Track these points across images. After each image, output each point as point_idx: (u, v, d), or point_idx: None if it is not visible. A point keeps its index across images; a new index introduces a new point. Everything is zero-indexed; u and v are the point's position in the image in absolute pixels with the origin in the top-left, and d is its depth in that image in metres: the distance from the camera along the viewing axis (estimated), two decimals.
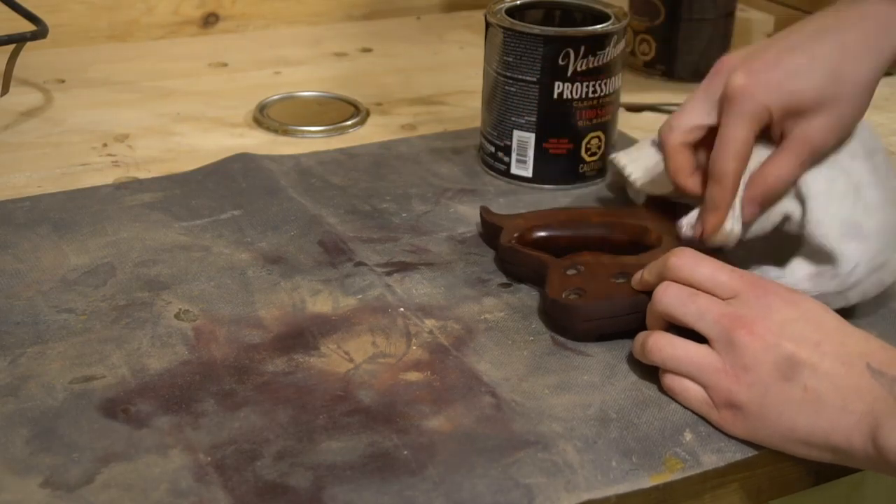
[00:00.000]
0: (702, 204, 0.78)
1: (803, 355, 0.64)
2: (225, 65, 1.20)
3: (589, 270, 0.76)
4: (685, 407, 0.68)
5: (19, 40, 0.99)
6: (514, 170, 0.95)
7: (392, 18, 1.37)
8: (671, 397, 0.68)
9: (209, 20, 1.29)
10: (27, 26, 1.01)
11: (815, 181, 0.76)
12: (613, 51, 0.92)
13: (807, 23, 0.77)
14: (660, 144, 0.81)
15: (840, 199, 0.76)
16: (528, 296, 0.79)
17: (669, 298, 0.68)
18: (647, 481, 0.63)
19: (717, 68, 0.77)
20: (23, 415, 0.65)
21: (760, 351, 0.64)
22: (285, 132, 1.04)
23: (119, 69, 1.17)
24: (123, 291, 0.78)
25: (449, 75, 1.20)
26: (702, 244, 0.77)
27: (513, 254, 0.80)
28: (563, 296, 0.74)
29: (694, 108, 0.78)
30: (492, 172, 0.97)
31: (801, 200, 0.76)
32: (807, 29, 0.76)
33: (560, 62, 0.91)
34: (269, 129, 1.05)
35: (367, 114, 1.09)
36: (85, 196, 0.90)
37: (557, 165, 0.95)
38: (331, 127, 1.05)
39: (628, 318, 0.73)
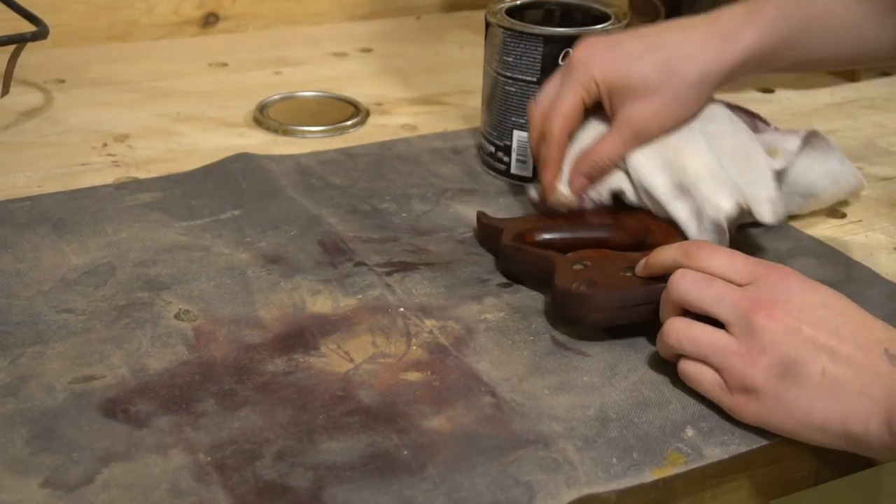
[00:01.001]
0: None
1: (822, 339, 0.64)
2: (225, 65, 1.20)
3: (596, 265, 0.76)
4: (699, 391, 0.68)
5: (20, 41, 0.99)
6: (514, 170, 0.95)
7: (392, 18, 1.37)
8: (686, 383, 0.68)
9: (209, 20, 1.29)
10: (28, 27, 1.01)
11: (636, 156, 0.82)
12: None
13: (673, 20, 0.84)
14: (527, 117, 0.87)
15: (661, 167, 0.81)
16: (528, 296, 0.79)
17: (686, 285, 0.68)
18: (649, 476, 0.63)
19: (570, 54, 0.84)
20: (23, 415, 0.65)
21: (780, 334, 0.64)
22: (285, 132, 1.04)
23: (119, 69, 1.17)
24: (123, 291, 0.78)
25: (449, 75, 1.20)
26: (545, 208, 0.84)
27: (515, 252, 0.80)
28: (574, 286, 0.74)
29: (551, 85, 0.85)
30: (492, 172, 0.97)
31: (629, 176, 0.83)
32: (665, 23, 0.84)
33: (560, 62, 0.91)
34: (269, 129, 1.05)
35: (367, 114, 1.09)
36: (85, 196, 0.90)
37: None
38: (331, 127, 1.05)
39: (640, 309, 0.73)
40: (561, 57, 0.90)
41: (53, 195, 0.90)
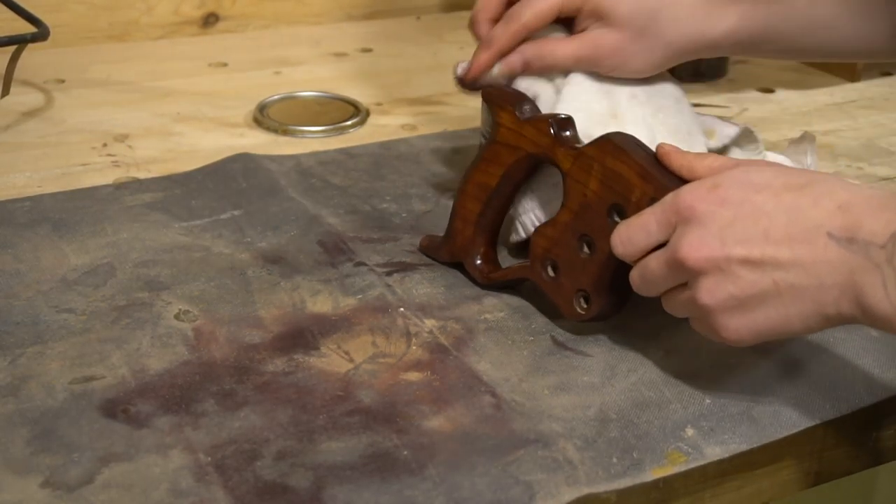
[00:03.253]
0: (479, 45, 0.82)
1: (756, 254, 0.62)
2: (225, 65, 1.20)
3: (561, 262, 0.75)
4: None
5: (20, 42, 0.99)
6: None
7: (392, 18, 1.37)
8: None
9: (209, 20, 1.29)
10: (28, 27, 1.01)
11: (575, 83, 0.81)
12: None
13: None
14: None
15: (597, 119, 0.79)
16: (528, 296, 0.79)
17: (637, 286, 0.68)
18: (650, 475, 0.63)
19: None
20: (23, 415, 0.65)
21: (715, 273, 0.63)
22: (285, 132, 1.04)
23: (119, 69, 1.17)
24: (123, 291, 0.78)
25: (449, 75, 1.18)
26: (467, 84, 0.82)
27: (494, 284, 0.80)
28: (578, 310, 0.74)
29: None
30: None
31: (557, 91, 0.81)
32: None
33: None
34: (269, 129, 1.05)
35: (367, 114, 1.09)
36: (85, 196, 0.90)
37: None
38: (331, 127, 1.05)
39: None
40: None
41: (53, 195, 0.90)
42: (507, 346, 0.74)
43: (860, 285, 0.59)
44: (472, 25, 0.83)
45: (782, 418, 0.67)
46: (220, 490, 0.60)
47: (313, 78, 1.17)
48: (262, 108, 1.08)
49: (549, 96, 0.81)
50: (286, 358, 0.72)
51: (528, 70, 0.81)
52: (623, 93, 0.82)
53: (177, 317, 0.75)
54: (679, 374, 0.71)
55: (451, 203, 0.91)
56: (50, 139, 1.01)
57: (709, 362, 0.72)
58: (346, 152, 1.00)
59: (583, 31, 0.81)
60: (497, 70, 0.81)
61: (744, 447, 0.65)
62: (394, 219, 0.89)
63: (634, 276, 0.68)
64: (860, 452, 0.70)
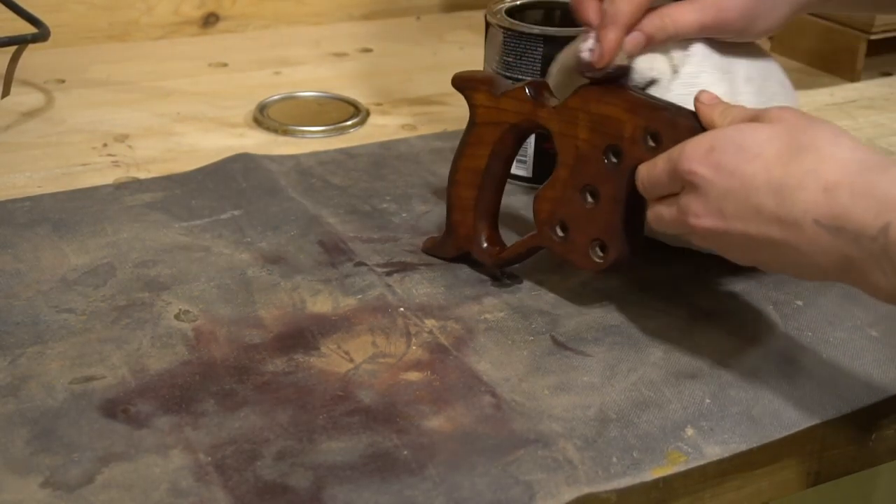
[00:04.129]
0: (598, 26, 0.75)
1: (752, 230, 0.64)
2: (225, 65, 1.20)
3: (569, 219, 0.75)
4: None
5: (20, 42, 0.99)
6: (514, 170, 0.95)
7: (392, 18, 1.37)
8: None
9: (209, 20, 1.29)
10: (29, 28, 1.01)
11: (694, 62, 0.77)
12: None
13: None
14: None
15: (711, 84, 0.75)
16: (528, 295, 0.79)
17: (652, 225, 0.71)
18: (650, 474, 0.63)
19: None
20: (23, 415, 0.65)
21: (720, 237, 0.66)
22: (285, 132, 1.04)
23: (119, 69, 1.17)
24: (123, 292, 0.78)
25: (449, 75, 1.18)
26: (596, 71, 0.74)
27: (506, 262, 0.80)
28: (596, 260, 0.74)
29: None
30: None
31: (675, 71, 0.77)
32: None
33: None
34: (269, 129, 1.05)
35: (367, 114, 1.09)
36: (85, 196, 0.90)
37: None
38: (331, 127, 1.05)
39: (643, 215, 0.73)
40: None
41: (53, 195, 0.90)
42: (507, 346, 0.74)
43: (858, 271, 0.60)
44: (577, 7, 0.76)
45: (782, 418, 0.67)
46: (220, 490, 0.60)
47: (313, 78, 1.17)
48: (262, 108, 1.08)
49: (666, 77, 0.77)
50: (286, 358, 0.72)
51: (651, 44, 0.75)
52: (740, 73, 0.78)
53: (177, 317, 0.75)
54: (679, 374, 0.71)
55: None
56: (50, 139, 1.01)
57: (709, 362, 0.72)
58: (346, 152, 1.00)
59: None
60: (623, 54, 0.75)
61: (744, 447, 0.65)
62: (394, 219, 0.89)
63: (650, 217, 0.70)
64: (860, 452, 0.70)
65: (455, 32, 1.33)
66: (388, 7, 1.37)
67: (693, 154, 0.66)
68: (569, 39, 0.90)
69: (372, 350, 0.73)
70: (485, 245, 0.80)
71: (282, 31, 1.32)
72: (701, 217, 0.66)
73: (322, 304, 0.77)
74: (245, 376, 0.70)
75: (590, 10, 0.75)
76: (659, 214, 0.69)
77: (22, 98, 1.08)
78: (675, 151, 0.67)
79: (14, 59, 1.01)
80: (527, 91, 0.77)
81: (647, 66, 0.77)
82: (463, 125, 1.06)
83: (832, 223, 0.60)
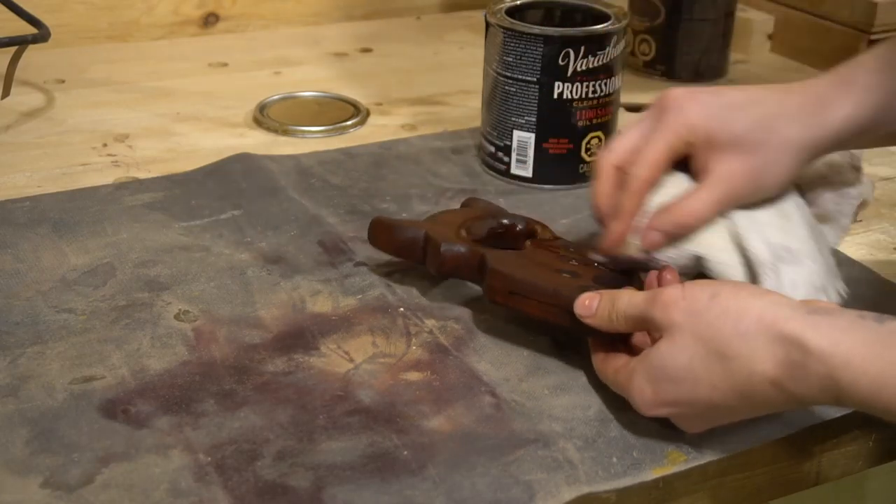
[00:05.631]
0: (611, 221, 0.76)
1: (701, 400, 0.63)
2: (225, 65, 1.20)
3: (579, 265, 0.75)
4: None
5: (21, 43, 0.99)
6: (514, 170, 0.95)
7: (392, 18, 1.37)
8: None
9: (209, 20, 1.29)
10: (29, 28, 1.01)
11: (739, 216, 0.74)
12: (613, 51, 0.92)
13: (766, 85, 0.77)
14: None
15: (766, 226, 0.74)
16: None
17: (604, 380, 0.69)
18: (650, 474, 0.63)
19: (661, 97, 0.76)
20: (23, 415, 0.65)
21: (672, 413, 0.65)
22: (285, 132, 1.04)
23: (119, 69, 1.17)
24: (123, 292, 0.78)
25: (449, 75, 1.20)
26: (608, 261, 0.75)
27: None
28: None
29: (632, 133, 0.76)
30: (492, 172, 0.97)
31: (736, 240, 0.74)
32: (761, 86, 0.77)
33: (560, 62, 0.91)
34: (269, 129, 1.05)
35: (367, 114, 1.09)
36: (85, 196, 0.90)
37: (557, 165, 0.95)
38: (331, 127, 1.05)
39: None
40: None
41: (53, 195, 0.90)
42: (507, 346, 0.74)
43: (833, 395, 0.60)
44: (595, 212, 0.77)
45: (782, 418, 0.67)
46: (220, 490, 0.60)
47: (313, 78, 1.17)
48: (262, 108, 1.08)
49: (712, 246, 0.74)
50: (286, 358, 0.72)
51: (672, 239, 0.74)
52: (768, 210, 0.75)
53: (177, 317, 0.75)
54: None
55: (451, 203, 0.91)
56: (50, 139, 1.01)
57: None
58: (346, 152, 1.00)
59: (703, 169, 0.74)
60: (636, 246, 0.74)
61: (744, 447, 0.65)
62: None
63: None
64: (860, 452, 0.70)
65: (455, 32, 1.33)
66: (388, 7, 1.37)
67: (643, 401, 0.65)
68: (569, 39, 0.90)
69: (372, 350, 0.73)
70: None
71: (282, 31, 1.32)
72: (656, 394, 0.64)
73: (322, 304, 0.77)
74: (245, 376, 0.70)
75: (602, 202, 0.76)
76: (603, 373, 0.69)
77: (22, 98, 1.08)
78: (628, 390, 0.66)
79: (14, 60, 1.01)
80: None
81: (692, 248, 0.74)
82: (463, 125, 1.06)
83: (786, 399, 0.61)
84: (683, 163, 0.75)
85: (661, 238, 0.74)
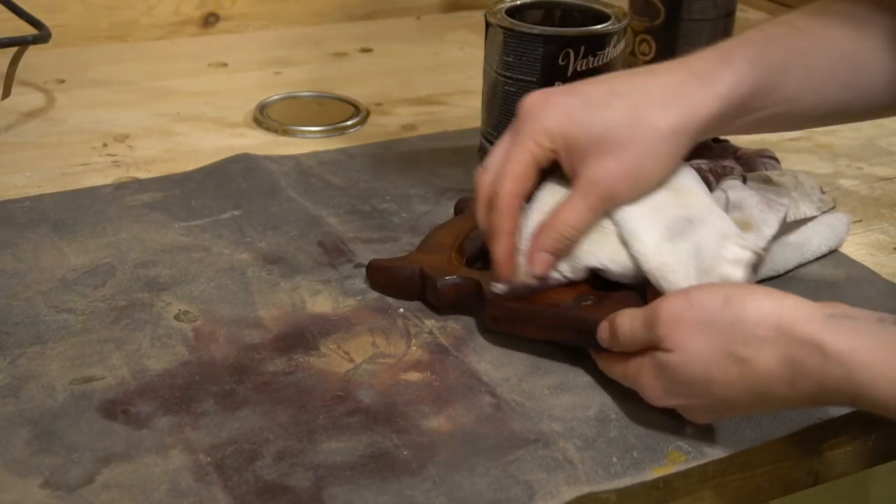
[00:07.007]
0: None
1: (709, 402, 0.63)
2: (225, 65, 1.20)
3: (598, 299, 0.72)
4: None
5: (21, 43, 0.99)
6: None
7: (392, 18, 1.37)
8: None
9: (209, 20, 1.29)
10: (29, 29, 1.01)
11: (627, 212, 0.71)
12: (613, 51, 0.92)
13: (640, 67, 0.73)
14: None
15: (661, 209, 0.71)
16: None
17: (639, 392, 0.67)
18: (650, 474, 0.63)
19: (519, 104, 0.73)
20: (23, 415, 0.65)
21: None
22: (285, 132, 1.04)
23: (119, 69, 1.17)
24: (123, 292, 0.78)
25: (449, 75, 1.20)
26: (508, 289, 0.72)
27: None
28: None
29: (499, 148, 0.73)
30: None
31: (624, 243, 0.71)
32: (630, 69, 0.73)
33: (560, 62, 0.91)
34: (269, 129, 1.05)
35: (367, 114, 1.09)
36: (85, 196, 0.90)
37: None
38: (331, 127, 1.05)
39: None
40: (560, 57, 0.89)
41: (53, 195, 0.90)
42: (506, 346, 0.74)
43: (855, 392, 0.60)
44: (482, 237, 0.74)
45: (782, 418, 0.67)
46: (220, 490, 0.60)
47: (313, 78, 1.17)
48: (262, 108, 1.08)
49: (607, 253, 0.71)
50: (286, 358, 0.72)
51: (560, 255, 0.71)
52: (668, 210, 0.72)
53: (177, 317, 0.75)
54: None
55: (450, 203, 0.91)
56: (50, 139, 1.01)
57: None
58: (346, 152, 1.00)
59: (573, 174, 0.70)
60: (527, 272, 0.71)
61: (744, 447, 0.66)
62: (394, 219, 0.89)
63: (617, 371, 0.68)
64: (860, 452, 0.70)
65: (455, 32, 1.33)
66: (388, 7, 1.37)
67: (653, 395, 0.65)
68: (569, 39, 0.90)
69: (372, 350, 0.73)
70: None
71: (282, 31, 1.32)
72: (659, 399, 0.65)
73: (322, 304, 0.77)
74: (245, 376, 0.70)
75: (480, 216, 0.73)
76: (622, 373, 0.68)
77: (22, 98, 1.08)
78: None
79: (14, 61, 1.01)
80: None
81: (577, 263, 0.72)
82: (463, 125, 1.06)
83: (810, 399, 0.61)
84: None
85: (549, 258, 0.71)
